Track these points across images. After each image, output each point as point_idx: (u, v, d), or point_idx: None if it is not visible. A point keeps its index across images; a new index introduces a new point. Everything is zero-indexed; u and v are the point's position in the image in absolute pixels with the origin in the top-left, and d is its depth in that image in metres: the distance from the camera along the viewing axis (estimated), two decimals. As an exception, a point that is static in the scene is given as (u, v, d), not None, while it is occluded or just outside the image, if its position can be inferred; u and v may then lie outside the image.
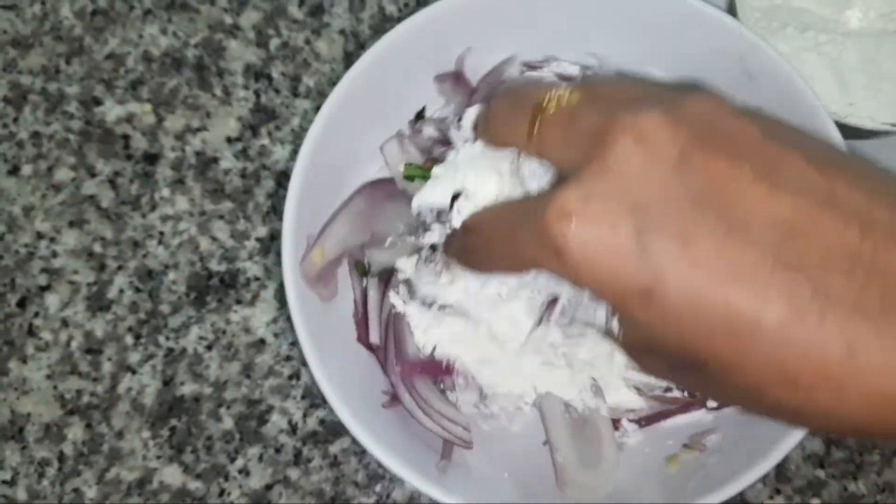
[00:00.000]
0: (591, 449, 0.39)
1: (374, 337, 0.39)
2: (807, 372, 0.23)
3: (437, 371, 0.38)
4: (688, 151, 0.24)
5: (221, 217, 0.46)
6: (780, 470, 0.44)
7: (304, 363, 0.45)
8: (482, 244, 0.31)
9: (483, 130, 0.33)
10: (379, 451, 0.34)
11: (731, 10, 0.41)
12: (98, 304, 0.46)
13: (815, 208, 0.24)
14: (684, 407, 0.40)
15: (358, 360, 0.40)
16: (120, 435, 0.44)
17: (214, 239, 0.46)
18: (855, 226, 0.24)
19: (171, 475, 0.44)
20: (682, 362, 0.26)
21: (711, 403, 0.39)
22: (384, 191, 0.40)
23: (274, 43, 0.48)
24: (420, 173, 0.39)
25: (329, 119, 0.37)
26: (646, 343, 0.27)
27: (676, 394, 0.39)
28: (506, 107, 0.31)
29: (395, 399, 0.39)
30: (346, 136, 0.38)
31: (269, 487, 0.44)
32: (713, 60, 0.37)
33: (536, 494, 0.39)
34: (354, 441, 0.44)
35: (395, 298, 0.38)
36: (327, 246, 0.37)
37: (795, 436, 0.34)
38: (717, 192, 0.24)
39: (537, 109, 0.28)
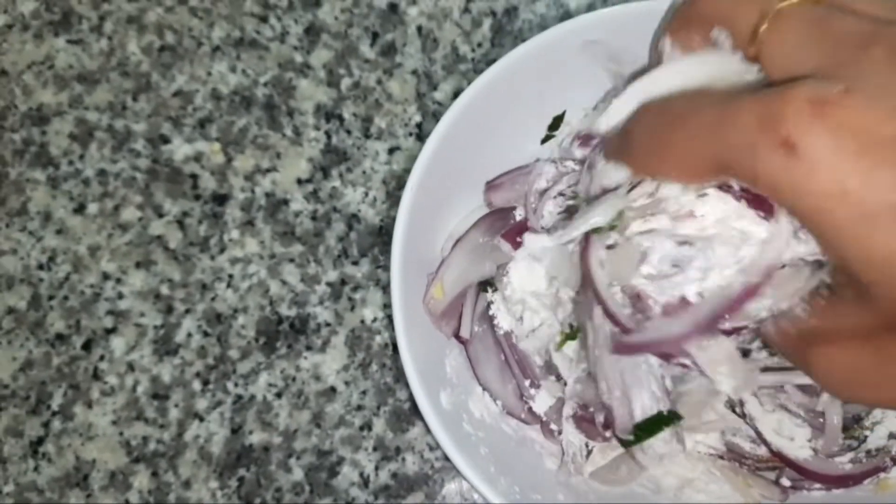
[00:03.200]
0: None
1: (465, 331, 0.39)
2: None
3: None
4: None
5: (292, 260, 0.45)
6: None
7: (375, 413, 0.44)
8: (659, 130, 0.26)
9: (698, 5, 0.28)
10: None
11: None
12: (165, 347, 0.45)
13: None
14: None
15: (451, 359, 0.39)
16: (187, 484, 0.43)
17: (284, 283, 0.45)
18: None
19: (240, 527, 0.43)
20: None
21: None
22: (502, 221, 0.38)
23: (345, 83, 0.48)
24: None
25: (444, 136, 0.36)
26: (843, 287, 0.23)
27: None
28: None
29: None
30: (457, 162, 0.37)
31: (339, 542, 0.43)
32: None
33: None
34: (428, 496, 0.43)
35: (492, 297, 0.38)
36: (447, 280, 0.36)
37: None
38: None
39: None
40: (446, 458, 0.42)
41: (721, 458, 0.38)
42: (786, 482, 0.37)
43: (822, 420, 0.36)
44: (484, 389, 0.38)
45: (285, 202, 0.46)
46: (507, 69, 0.37)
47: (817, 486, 0.36)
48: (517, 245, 0.38)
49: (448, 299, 0.37)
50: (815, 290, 0.26)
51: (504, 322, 0.38)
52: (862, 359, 0.24)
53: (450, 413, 0.36)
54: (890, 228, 0.21)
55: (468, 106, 0.37)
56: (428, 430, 0.36)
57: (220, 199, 0.46)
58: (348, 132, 0.47)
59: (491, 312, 0.38)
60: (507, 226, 0.38)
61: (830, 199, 0.21)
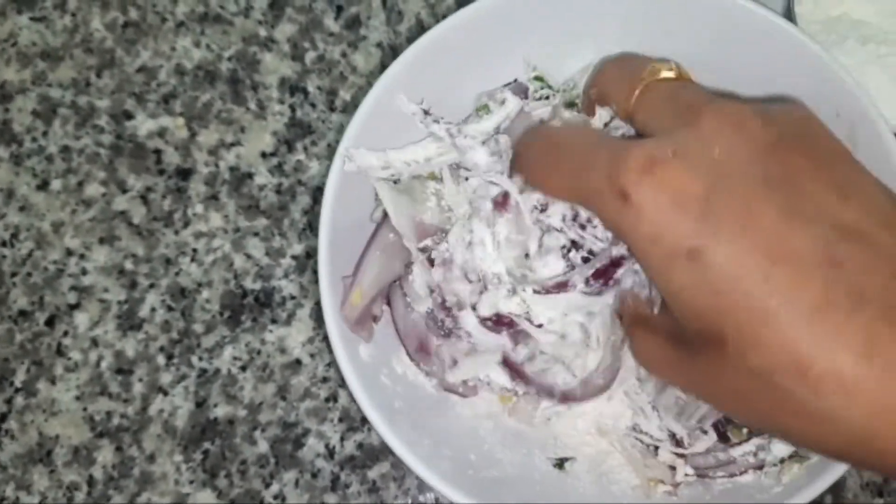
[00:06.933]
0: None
1: (377, 309, 0.39)
2: (821, 363, 0.23)
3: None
4: (775, 144, 0.26)
5: (256, 234, 0.45)
6: (838, 499, 0.42)
7: (341, 385, 0.44)
8: (543, 153, 0.32)
9: (594, 88, 0.35)
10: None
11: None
12: (129, 323, 0.44)
13: (876, 225, 0.25)
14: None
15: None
16: (151, 458, 0.43)
17: (249, 256, 0.45)
18: None
19: (205, 501, 0.42)
20: (699, 339, 0.26)
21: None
22: None
23: (310, 56, 0.47)
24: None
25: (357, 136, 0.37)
26: (669, 312, 0.28)
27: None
28: (615, 70, 0.34)
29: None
30: (396, 120, 0.37)
31: (305, 514, 0.42)
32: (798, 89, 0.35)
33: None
34: (394, 466, 0.42)
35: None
36: (365, 285, 0.36)
37: None
38: (791, 183, 0.25)
39: (639, 76, 0.30)
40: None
41: (635, 436, 0.38)
42: (689, 470, 0.37)
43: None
44: (411, 360, 0.38)
45: (250, 176, 0.46)
46: (451, 29, 0.37)
47: (720, 473, 0.37)
48: None
49: (364, 303, 0.37)
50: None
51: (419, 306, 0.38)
52: (664, 351, 0.29)
53: (367, 364, 0.36)
54: (683, 269, 0.25)
55: (412, 60, 0.37)
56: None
57: (184, 173, 0.46)
58: (313, 105, 0.47)
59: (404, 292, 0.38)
60: None
61: (648, 242, 0.26)
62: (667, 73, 0.30)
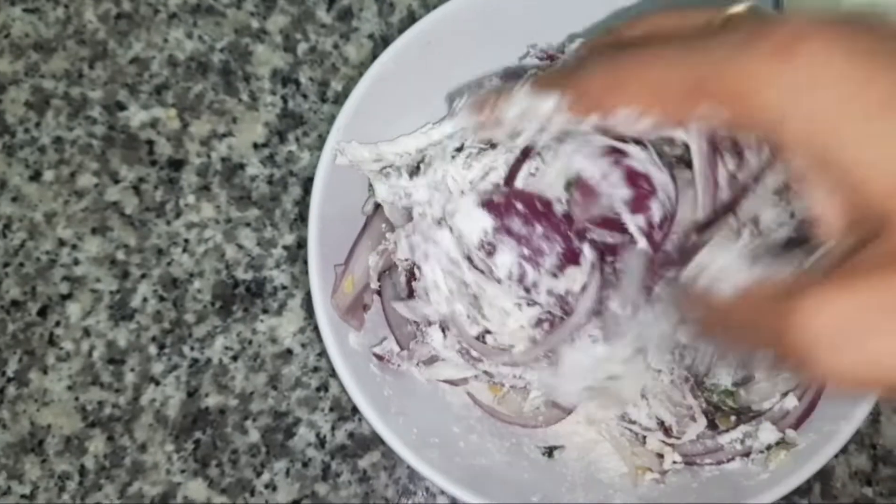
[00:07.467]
0: None
1: (374, 283, 0.39)
2: None
3: None
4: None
5: (248, 224, 0.45)
6: (826, 487, 0.42)
7: (332, 374, 0.44)
8: (623, 67, 0.27)
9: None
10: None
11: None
12: (121, 313, 0.44)
13: None
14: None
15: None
16: (143, 448, 0.43)
17: (240, 247, 0.45)
18: None
19: (196, 490, 0.42)
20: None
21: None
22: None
23: (302, 47, 0.47)
24: None
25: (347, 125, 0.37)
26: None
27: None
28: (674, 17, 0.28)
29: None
30: (387, 109, 0.38)
31: (296, 503, 0.42)
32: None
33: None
34: (385, 455, 0.42)
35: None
36: (357, 274, 0.37)
37: None
38: None
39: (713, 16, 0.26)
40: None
41: (624, 425, 0.39)
42: (677, 458, 0.37)
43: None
44: (401, 348, 0.38)
45: (241, 167, 0.46)
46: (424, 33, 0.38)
47: (708, 460, 0.37)
48: None
49: (355, 292, 0.37)
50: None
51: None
52: (871, 297, 0.20)
53: (357, 353, 0.36)
54: (891, 124, 0.20)
55: (399, 53, 0.37)
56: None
57: (176, 164, 0.46)
58: (304, 96, 0.47)
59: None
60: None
61: (839, 97, 0.20)
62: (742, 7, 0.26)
